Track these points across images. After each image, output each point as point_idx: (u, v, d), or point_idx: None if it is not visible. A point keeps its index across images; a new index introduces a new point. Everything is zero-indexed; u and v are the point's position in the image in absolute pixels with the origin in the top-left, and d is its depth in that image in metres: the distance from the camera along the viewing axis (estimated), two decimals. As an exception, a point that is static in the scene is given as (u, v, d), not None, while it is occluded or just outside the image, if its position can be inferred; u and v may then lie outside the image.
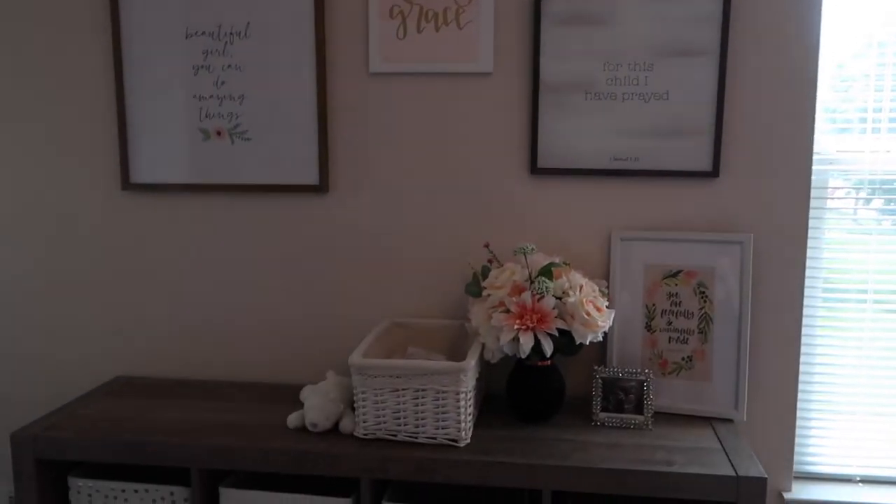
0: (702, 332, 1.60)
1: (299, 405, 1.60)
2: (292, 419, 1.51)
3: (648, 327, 1.63)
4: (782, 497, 1.69)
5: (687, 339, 1.61)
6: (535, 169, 1.67)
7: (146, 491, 1.50)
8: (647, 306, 1.64)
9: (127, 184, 1.80)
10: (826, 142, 1.69)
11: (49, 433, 1.49)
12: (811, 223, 1.67)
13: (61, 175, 1.84)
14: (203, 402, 1.68)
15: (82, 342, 1.89)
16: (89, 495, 1.53)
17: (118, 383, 1.82)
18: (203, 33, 1.74)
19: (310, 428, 1.48)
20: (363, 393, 1.44)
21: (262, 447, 1.42)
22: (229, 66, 1.74)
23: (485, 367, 1.68)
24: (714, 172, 1.62)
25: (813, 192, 1.64)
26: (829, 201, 1.70)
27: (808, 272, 1.67)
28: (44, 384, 1.91)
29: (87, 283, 1.87)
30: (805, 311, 1.67)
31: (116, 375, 1.89)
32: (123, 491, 1.51)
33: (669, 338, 1.62)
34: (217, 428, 1.52)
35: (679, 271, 1.62)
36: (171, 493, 1.50)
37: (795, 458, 1.72)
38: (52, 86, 1.81)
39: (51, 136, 1.83)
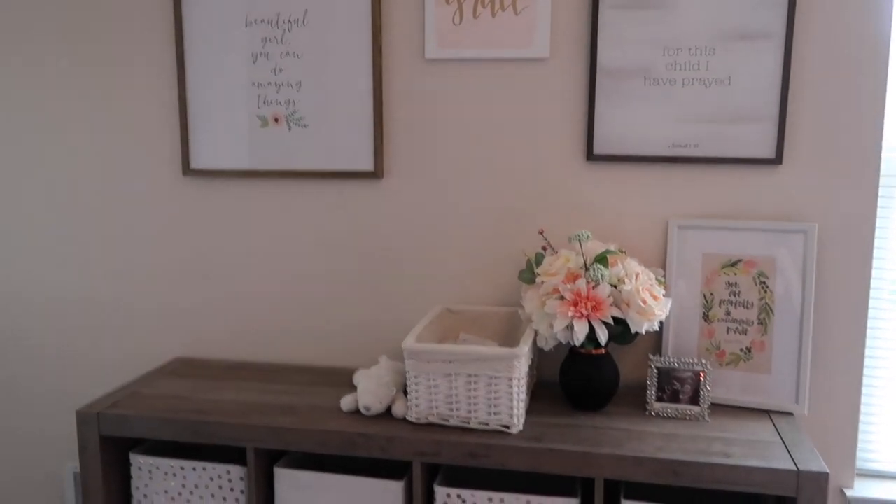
0: (762, 324, 1.56)
1: (352, 389, 1.62)
2: (346, 402, 1.53)
3: (706, 317, 1.60)
4: (844, 494, 1.64)
5: (746, 329, 1.57)
6: (591, 155, 1.65)
7: (203, 469, 1.54)
8: (704, 296, 1.60)
9: (188, 169, 1.84)
10: (896, 128, 1.63)
11: (112, 411, 1.53)
12: (880, 213, 1.61)
13: (125, 160, 1.89)
14: (258, 384, 1.71)
15: (143, 324, 1.94)
16: (150, 472, 1.57)
17: (177, 364, 1.86)
18: (262, 21, 1.77)
19: (363, 411, 1.50)
20: (416, 378, 1.44)
21: (316, 429, 1.44)
22: (287, 53, 1.76)
23: (537, 354, 1.67)
24: (777, 159, 1.57)
25: (882, 181, 1.59)
26: (898, 190, 1.64)
27: (875, 264, 1.61)
28: (106, 364, 1.97)
29: (146, 265, 1.92)
30: (871, 304, 1.61)
31: (175, 357, 1.94)
32: (182, 468, 1.55)
33: (728, 328, 1.59)
34: (272, 409, 1.54)
35: (739, 261, 1.58)
36: (228, 472, 1.53)
37: (858, 454, 1.67)
38: (116, 74, 1.86)
39: (114, 123, 1.88)
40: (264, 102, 1.80)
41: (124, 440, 1.61)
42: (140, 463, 1.57)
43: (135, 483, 1.58)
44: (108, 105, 1.88)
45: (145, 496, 1.58)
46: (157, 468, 1.56)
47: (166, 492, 1.56)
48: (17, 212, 1.97)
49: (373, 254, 1.80)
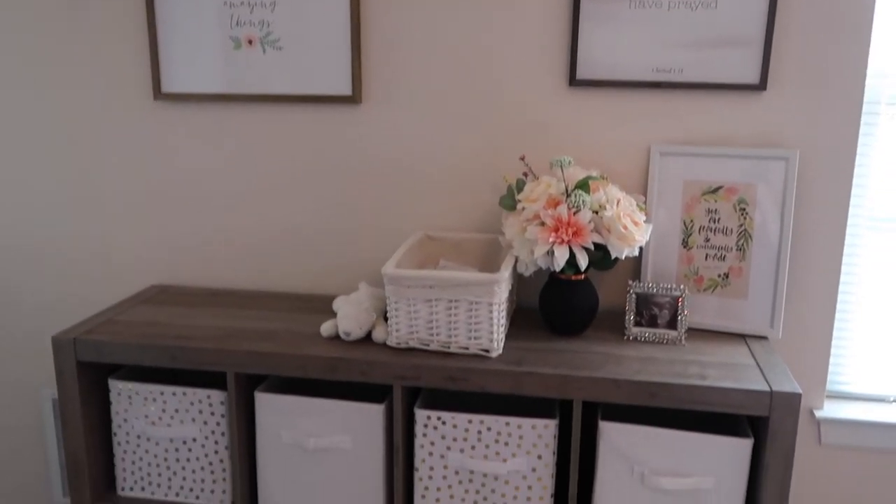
0: (740, 250, 1.57)
1: (332, 315, 1.62)
2: (326, 328, 1.53)
3: (685, 244, 1.61)
4: (813, 415, 1.69)
5: (724, 255, 1.58)
6: (574, 80, 1.62)
7: (184, 394, 1.54)
8: (684, 222, 1.61)
9: (159, 94, 1.78)
10: (884, 56, 1.61)
11: (88, 337, 1.52)
12: (861, 140, 1.61)
13: (95, 87, 1.83)
14: (237, 310, 1.70)
15: (116, 252, 1.91)
16: (129, 397, 1.57)
17: (152, 292, 1.85)
18: (233, -65, 1.69)
19: (343, 337, 1.49)
20: (396, 303, 1.44)
21: (296, 353, 1.44)
22: (260, -31, 1.70)
23: (516, 280, 1.67)
24: (761, 85, 1.56)
25: (865, 108, 1.58)
26: (881, 118, 1.64)
27: (854, 191, 1.62)
28: (80, 292, 1.95)
29: (120, 192, 1.88)
30: (849, 232, 1.63)
31: (150, 284, 1.92)
32: (162, 394, 1.55)
33: (706, 255, 1.60)
34: (252, 335, 1.54)
35: (719, 187, 1.58)
36: (208, 397, 1.53)
37: (829, 378, 1.71)
38: (81, -10, 1.79)
39: (81, 47, 1.81)
40: (237, 23, 1.74)
41: (102, 366, 1.60)
42: (119, 388, 1.57)
43: (114, 408, 1.58)
44: (73, 28, 1.80)
45: (125, 420, 1.58)
46: (137, 393, 1.56)
47: (146, 416, 1.56)
48: (-17, 136, 1.90)
49: (352, 180, 1.78)
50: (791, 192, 1.53)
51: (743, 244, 1.57)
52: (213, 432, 1.54)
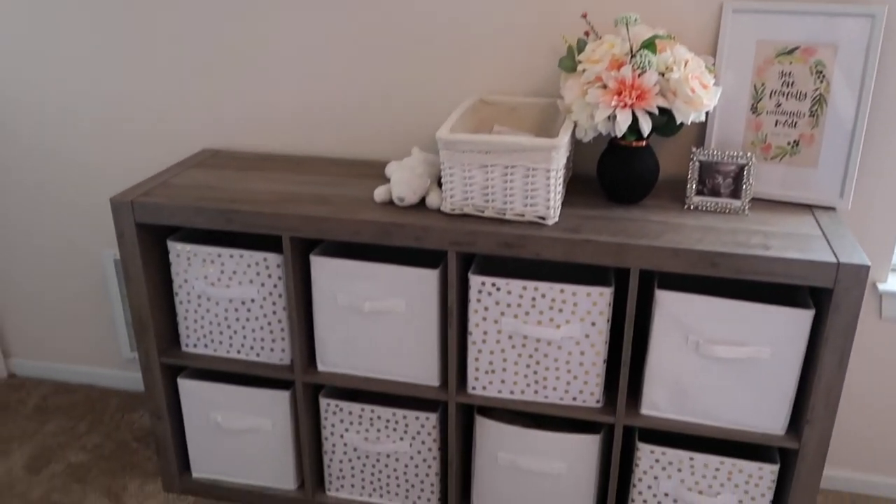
0: (813, 116, 1.49)
1: (385, 181, 1.60)
2: (379, 193, 1.51)
3: (754, 109, 1.53)
4: (876, 288, 1.65)
5: (796, 122, 1.50)
6: (643, -73, 1.50)
7: (241, 256, 1.56)
8: (755, 86, 1.52)
9: (202, -56, 1.70)
10: None
11: (146, 199, 1.53)
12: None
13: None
14: (290, 175, 1.69)
15: (169, 115, 1.90)
16: (188, 259, 1.60)
17: (204, 156, 1.84)
18: None
19: (396, 202, 1.48)
20: (450, 169, 1.41)
21: (351, 218, 1.44)
22: None
23: (574, 146, 1.62)
24: (852, -68, 1.42)
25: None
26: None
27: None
28: (134, 156, 1.95)
29: (172, 55, 1.84)
30: (931, 96, 1.53)
31: (202, 148, 1.91)
32: (220, 255, 1.57)
33: (776, 121, 1.52)
34: (306, 199, 1.53)
35: (795, 48, 1.48)
36: (265, 259, 1.55)
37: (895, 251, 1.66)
38: None
39: None
40: None
41: (160, 228, 1.62)
42: (178, 250, 1.60)
43: (174, 269, 1.62)
44: None
45: (185, 281, 1.62)
46: (195, 255, 1.59)
47: (206, 277, 1.60)
48: (38, 13, 1.86)
49: (406, 42, 1.70)
50: (875, 53, 1.43)
51: (817, 110, 1.49)
52: (270, 293, 1.57)
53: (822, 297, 1.33)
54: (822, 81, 1.47)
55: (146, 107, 1.90)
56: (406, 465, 1.65)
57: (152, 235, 1.61)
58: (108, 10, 1.83)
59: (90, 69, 1.89)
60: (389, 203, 1.51)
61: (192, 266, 1.60)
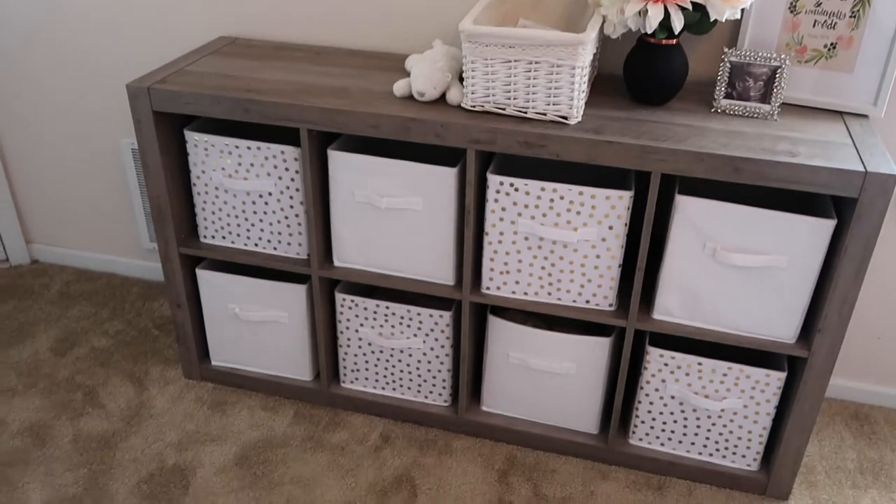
0: (854, 16, 1.42)
1: (405, 75, 1.56)
2: (399, 87, 1.48)
3: (792, 8, 1.46)
4: (902, 199, 1.62)
5: (835, 23, 1.44)
6: None
7: (258, 148, 1.55)
8: (795, -17, 1.44)
9: None
10: None
11: (162, 86, 1.51)
12: None
13: None
14: (308, 66, 1.65)
15: (185, 2, 1.85)
16: (206, 149, 1.59)
17: (221, 43, 1.80)
18: None
19: (416, 97, 1.45)
20: (473, 63, 1.37)
21: (369, 112, 1.41)
22: None
23: (601, 43, 1.57)
24: None
25: None
26: None
27: None
28: (150, 44, 1.91)
29: (184, -67, 1.77)
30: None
31: (219, 36, 1.87)
32: (237, 147, 1.56)
33: (815, 21, 1.45)
34: (324, 91, 1.50)
35: (842, -58, 1.39)
36: (282, 152, 1.54)
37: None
38: None
39: None
40: None
41: (177, 117, 1.61)
42: (195, 140, 1.59)
43: (191, 160, 1.61)
44: None
45: (203, 172, 1.61)
46: (213, 146, 1.58)
47: (223, 169, 1.59)
48: None
49: (427, -75, 1.62)
50: (926, -50, 1.35)
51: (859, 10, 1.42)
52: (287, 187, 1.57)
53: (844, 206, 1.30)
54: (866, -20, 1.40)
55: (161, -9, 1.85)
56: (419, 361, 1.68)
57: (170, 124, 1.59)
58: None
59: (103, -51, 1.83)
60: (409, 97, 1.48)
61: (210, 157, 1.59)
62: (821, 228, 1.30)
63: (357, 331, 1.69)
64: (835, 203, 1.36)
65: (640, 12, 1.33)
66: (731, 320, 1.43)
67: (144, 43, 1.92)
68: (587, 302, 1.49)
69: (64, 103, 2.06)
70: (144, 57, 1.93)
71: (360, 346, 1.71)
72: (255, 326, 1.76)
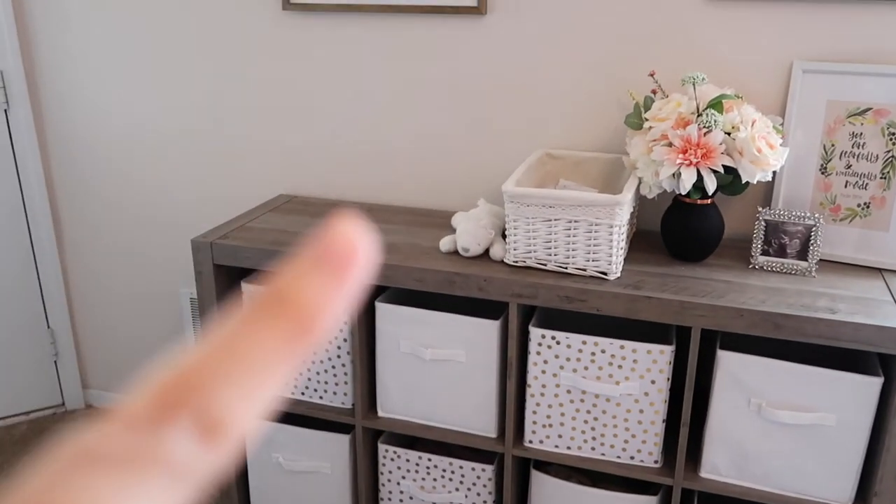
0: (885, 178, 1.47)
1: (451, 231, 1.64)
2: (445, 243, 1.55)
3: (823, 169, 1.51)
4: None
5: (867, 184, 1.48)
6: (712, -10, 1.52)
7: (309, 300, 1.61)
8: (824, 146, 1.51)
9: (287, 3, 1.81)
10: None
11: (224, 241, 1.61)
12: None
13: (225, -5, 1.87)
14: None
15: (249, 161, 1.99)
16: (259, 300, 1.66)
17: (280, 201, 1.92)
18: None
19: (461, 252, 1.52)
20: (515, 221, 1.44)
21: (416, 266, 1.48)
22: None
23: (638, 202, 1.64)
24: (926, -4, 1.41)
25: None
26: None
27: None
28: (215, 199, 2.06)
29: (251, 102, 1.94)
30: None
31: (280, 193, 2.00)
32: (289, 298, 1.63)
33: (846, 182, 1.50)
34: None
35: (867, 109, 1.46)
36: (332, 304, 1.60)
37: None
38: None
39: (214, -45, 1.85)
40: (363, -68, 1.72)
41: (235, 270, 1.70)
42: (251, 292, 1.67)
43: (246, 310, 1.68)
44: (206, -65, 1.84)
45: (256, 322, 1.68)
46: (266, 297, 1.65)
47: (275, 319, 1.65)
48: (124, 54, 2.00)
49: (473, 94, 1.76)
50: (951, 116, 1.40)
51: (889, 172, 1.46)
52: (336, 337, 1.62)
53: (891, 363, 1.29)
54: (894, 143, 1.45)
55: (230, 151, 2.00)
56: (461, 515, 1.65)
57: (228, 276, 1.68)
58: (206, 62, 1.95)
59: (184, 115, 2.01)
60: (454, 253, 1.55)
61: (263, 308, 1.66)
62: (868, 386, 1.29)
63: (399, 483, 1.68)
64: (882, 359, 1.35)
65: (674, 175, 1.40)
66: (782, 480, 1.39)
67: (209, 199, 2.06)
68: (631, 458, 1.47)
69: (129, 252, 2.19)
70: (209, 212, 2.07)
71: (401, 500, 1.69)
72: (298, 477, 1.76)
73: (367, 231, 0.23)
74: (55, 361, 2.34)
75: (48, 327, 2.30)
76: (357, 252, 0.23)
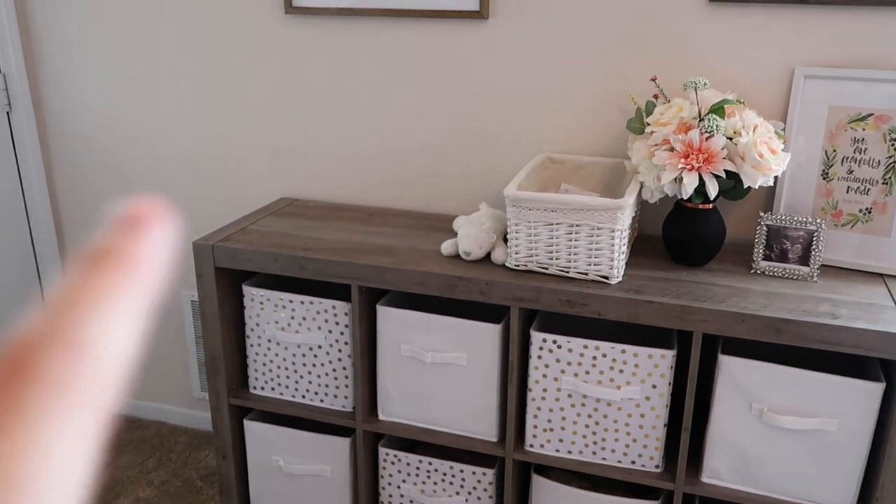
0: (886, 183, 1.47)
1: (452, 234, 1.64)
2: (446, 246, 1.55)
3: (825, 175, 1.51)
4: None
5: (868, 189, 1.48)
6: (714, -4, 1.53)
7: (311, 303, 1.62)
8: (826, 152, 1.51)
9: (290, 7, 1.81)
10: None
11: (225, 244, 1.61)
12: None
13: (231, 1, 1.88)
14: (360, 225, 1.75)
15: (250, 164, 2.00)
16: (261, 304, 1.66)
17: (282, 204, 1.92)
18: None
19: (463, 256, 1.52)
20: (517, 225, 1.44)
21: (417, 270, 1.48)
22: None
23: (640, 206, 1.64)
24: (928, 2, 1.41)
25: None
26: None
27: None
28: (216, 201, 2.06)
29: (253, 105, 1.94)
30: None
31: (281, 196, 2.00)
32: (291, 301, 1.63)
33: (848, 187, 1.50)
34: (375, 249, 1.59)
35: (869, 115, 1.47)
36: (333, 307, 1.60)
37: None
38: None
39: (218, -42, 1.86)
40: (366, -64, 1.72)
41: (236, 273, 1.70)
42: (252, 294, 1.67)
43: (247, 313, 1.69)
44: (210, -61, 1.85)
45: (257, 325, 1.68)
46: (268, 300, 1.65)
47: (276, 322, 1.66)
48: (127, 57, 2.00)
49: (476, 98, 1.76)
50: (952, 122, 1.41)
51: (890, 178, 1.47)
52: (336, 340, 1.62)
53: (893, 369, 1.29)
54: (895, 149, 1.45)
55: (232, 155, 2.01)
56: (461, 519, 1.65)
57: (229, 279, 1.68)
58: (208, 65, 1.95)
59: (186, 118, 2.02)
60: (456, 256, 1.55)
61: (265, 310, 1.66)
62: (869, 392, 1.29)
63: (399, 487, 1.68)
64: (884, 365, 1.35)
65: (675, 179, 1.40)
66: (783, 486, 1.38)
67: (211, 202, 2.06)
68: (633, 463, 1.47)
69: (132, 257, 2.19)
70: (210, 214, 2.07)
71: None
72: (298, 480, 1.76)
73: (157, 203, 0.29)
74: (55, 364, 2.34)
75: (49, 330, 2.30)
76: (150, 214, 0.29)
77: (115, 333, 0.26)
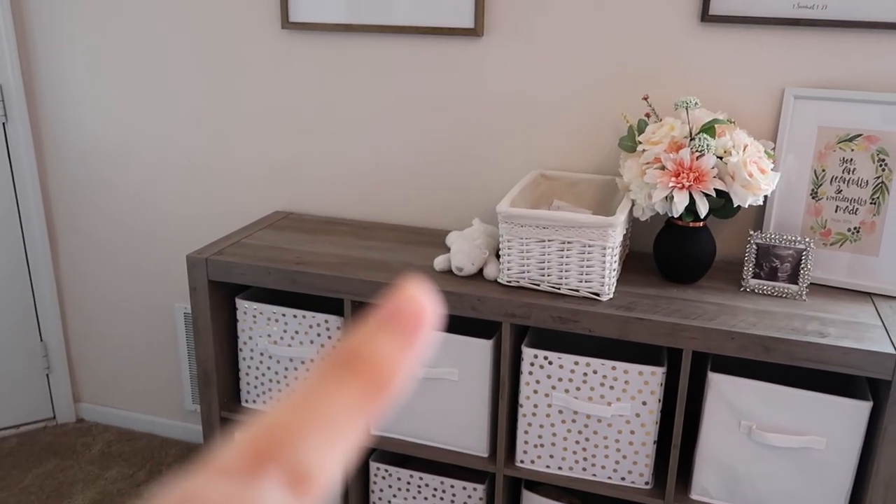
0: (874, 203, 1.49)
1: (445, 249, 1.65)
2: (439, 262, 1.56)
3: (814, 194, 1.53)
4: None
5: (857, 209, 1.50)
6: (706, 16, 1.55)
7: (303, 317, 1.62)
8: (815, 171, 1.53)
9: (287, 23, 1.83)
10: None
11: (219, 258, 1.62)
12: None
13: (223, 14, 1.89)
14: (353, 240, 1.76)
15: (245, 178, 2.01)
16: (254, 316, 1.67)
17: (276, 218, 1.93)
18: None
19: (455, 272, 1.53)
20: (509, 241, 1.46)
21: (409, 285, 1.48)
22: None
23: (631, 224, 1.65)
24: (915, 25, 1.44)
25: None
26: None
27: None
28: (211, 214, 2.06)
29: (248, 120, 1.95)
30: None
31: (275, 210, 2.01)
32: (284, 315, 1.64)
33: (837, 207, 1.52)
34: (367, 264, 1.59)
35: (858, 135, 1.49)
36: (326, 321, 1.61)
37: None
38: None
39: (215, -26, 1.87)
40: (363, -46, 1.74)
41: (230, 286, 1.70)
42: (245, 307, 1.67)
43: (240, 326, 1.69)
44: (208, -45, 1.86)
45: (250, 338, 1.69)
46: (261, 313, 1.66)
47: (269, 335, 1.66)
48: (123, 70, 2.01)
49: (469, 115, 1.78)
50: (939, 143, 1.43)
51: (878, 198, 1.48)
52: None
53: (880, 386, 1.30)
54: (884, 169, 1.47)
55: (227, 168, 2.01)
56: (452, 534, 1.65)
57: (222, 292, 1.69)
58: (204, 79, 1.96)
59: (181, 131, 2.03)
60: (448, 272, 1.56)
61: (258, 324, 1.67)
62: (857, 410, 1.30)
63: (390, 502, 1.68)
64: (871, 384, 1.36)
65: (666, 197, 1.41)
66: (772, 502, 1.39)
67: (205, 214, 2.07)
68: (623, 479, 1.47)
69: (124, 266, 2.20)
70: (204, 227, 2.08)
71: (392, 518, 1.69)
72: (289, 493, 1.75)
73: (431, 294, 0.25)
74: (47, 374, 2.34)
75: (41, 340, 2.30)
76: (424, 313, 0.25)
77: (332, 463, 0.24)
